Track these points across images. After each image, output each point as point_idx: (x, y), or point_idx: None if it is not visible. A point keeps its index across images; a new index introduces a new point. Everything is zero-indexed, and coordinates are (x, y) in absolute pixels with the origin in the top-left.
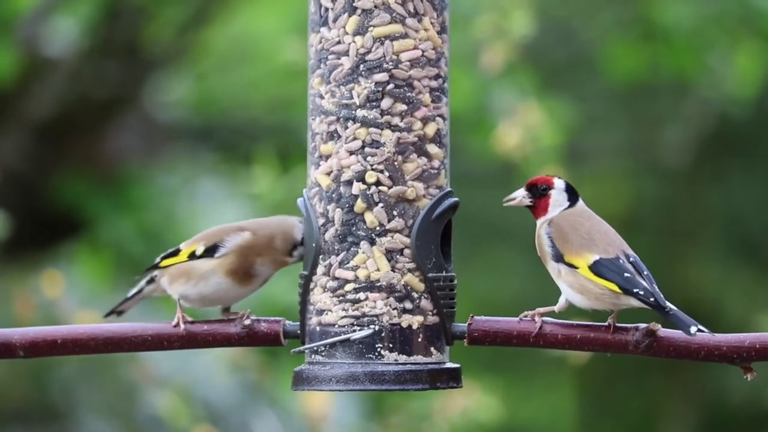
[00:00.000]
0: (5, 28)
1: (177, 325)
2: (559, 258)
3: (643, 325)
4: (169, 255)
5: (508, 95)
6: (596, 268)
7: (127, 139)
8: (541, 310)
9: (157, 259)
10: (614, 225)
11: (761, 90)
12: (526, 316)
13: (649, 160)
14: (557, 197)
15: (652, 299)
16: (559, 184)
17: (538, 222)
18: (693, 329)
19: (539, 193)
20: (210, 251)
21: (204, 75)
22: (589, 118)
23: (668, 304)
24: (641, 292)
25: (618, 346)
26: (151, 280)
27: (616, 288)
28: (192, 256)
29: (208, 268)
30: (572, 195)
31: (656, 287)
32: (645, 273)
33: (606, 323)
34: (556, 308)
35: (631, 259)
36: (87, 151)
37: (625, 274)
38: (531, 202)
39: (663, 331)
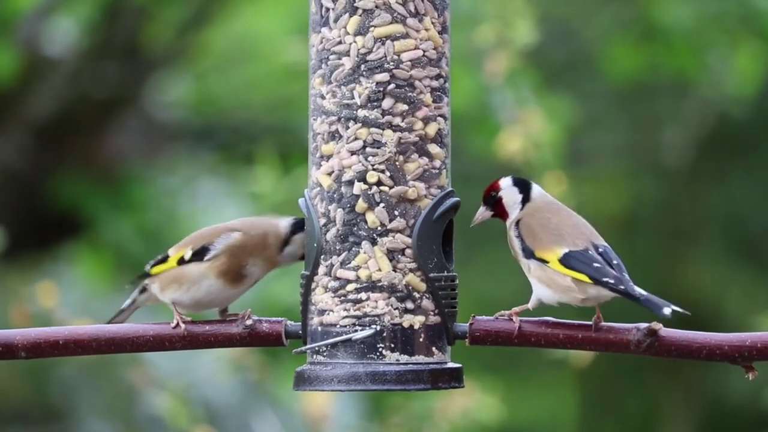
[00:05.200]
0: (5, 28)
1: (177, 326)
2: (529, 254)
3: (644, 325)
4: (159, 262)
5: (511, 99)
6: (566, 261)
7: (127, 139)
8: (517, 309)
9: (147, 267)
10: (614, 225)
11: (761, 90)
12: (502, 315)
13: (649, 160)
14: (508, 196)
15: (621, 287)
16: (505, 183)
17: (507, 224)
18: (666, 310)
19: (493, 200)
20: (199, 254)
21: (204, 75)
22: (589, 118)
23: (638, 290)
24: (611, 281)
25: (619, 345)
26: (143, 290)
27: (586, 278)
28: (181, 261)
29: (199, 272)
30: (523, 187)
31: (626, 275)
32: (615, 263)
33: (590, 321)
34: (530, 306)
35: (600, 250)
36: (87, 151)
37: (595, 264)
38: (492, 212)
39: (664, 331)
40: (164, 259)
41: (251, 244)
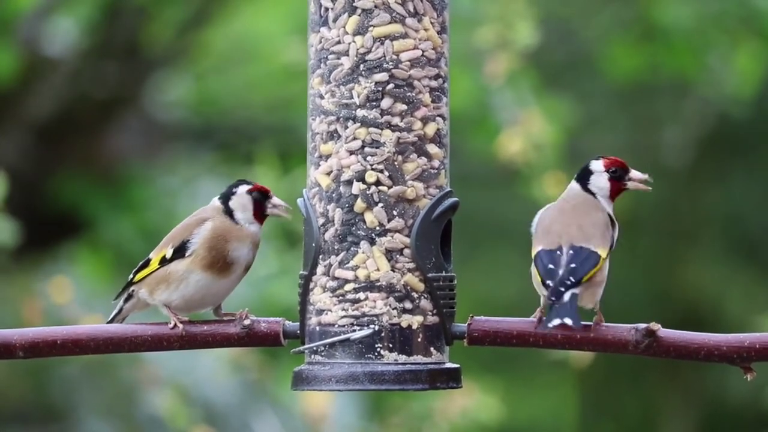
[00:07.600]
0: (5, 28)
1: (174, 326)
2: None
3: (642, 325)
4: (141, 267)
5: (510, 99)
6: (535, 259)
7: (127, 139)
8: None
9: (130, 275)
10: None
11: (761, 90)
12: (536, 316)
13: (649, 160)
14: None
15: (545, 292)
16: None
17: None
18: (555, 322)
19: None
20: (180, 251)
21: (204, 75)
22: (589, 118)
23: (564, 297)
24: (551, 284)
25: (617, 346)
26: (129, 297)
27: (539, 278)
28: (163, 261)
29: (185, 268)
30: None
31: (572, 278)
32: (572, 265)
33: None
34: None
35: (570, 252)
36: (87, 151)
37: (549, 266)
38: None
39: (663, 331)
40: (146, 264)
41: (222, 227)
